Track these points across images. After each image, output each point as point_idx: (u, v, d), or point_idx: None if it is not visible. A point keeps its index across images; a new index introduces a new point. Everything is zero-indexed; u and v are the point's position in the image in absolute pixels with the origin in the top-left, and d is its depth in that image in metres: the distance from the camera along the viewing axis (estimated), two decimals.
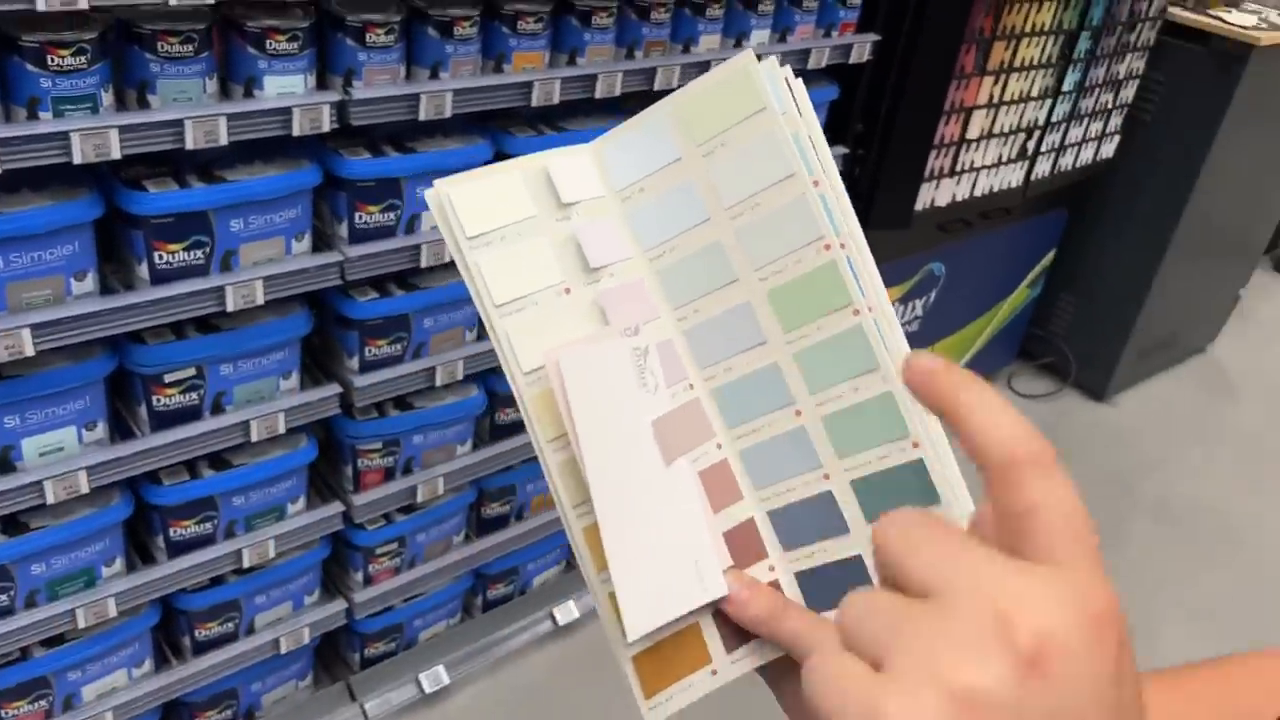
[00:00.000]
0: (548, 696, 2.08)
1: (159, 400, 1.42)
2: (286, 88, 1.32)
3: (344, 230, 1.49)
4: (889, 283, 2.24)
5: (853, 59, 1.99)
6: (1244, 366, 3.60)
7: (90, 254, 1.27)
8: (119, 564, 1.49)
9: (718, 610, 0.52)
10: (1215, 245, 3.20)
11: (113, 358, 1.36)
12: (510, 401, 1.85)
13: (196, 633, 1.64)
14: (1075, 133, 2.67)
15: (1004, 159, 2.50)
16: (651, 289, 0.53)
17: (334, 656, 1.96)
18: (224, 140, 1.27)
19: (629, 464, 0.53)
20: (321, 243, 1.49)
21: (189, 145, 1.24)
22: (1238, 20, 2.81)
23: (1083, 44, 2.48)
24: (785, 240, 0.50)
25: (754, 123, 0.50)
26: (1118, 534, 2.76)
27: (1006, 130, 2.45)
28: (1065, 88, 2.53)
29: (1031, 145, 2.56)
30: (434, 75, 1.47)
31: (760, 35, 1.83)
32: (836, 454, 0.51)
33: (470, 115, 1.52)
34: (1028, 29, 2.30)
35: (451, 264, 1.59)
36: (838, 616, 0.33)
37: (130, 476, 1.43)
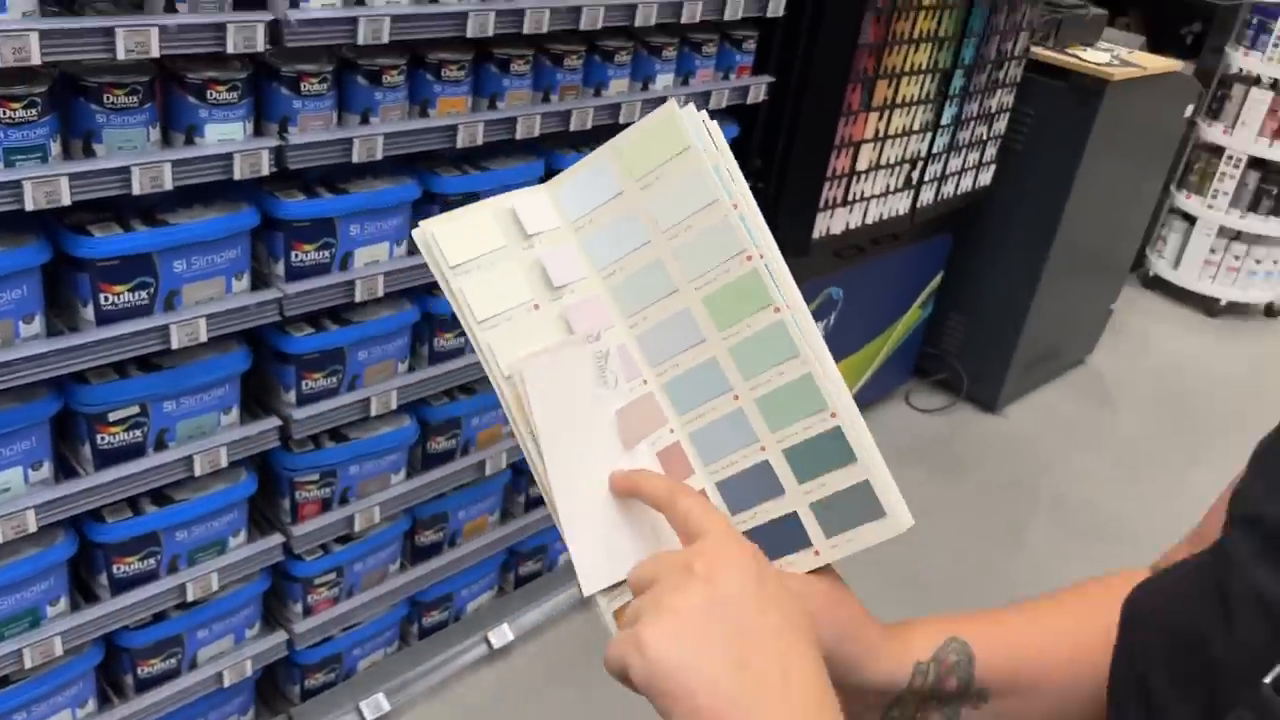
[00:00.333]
0: (487, 719, 2.13)
1: (103, 439, 1.46)
2: (226, 135, 1.39)
3: (281, 269, 1.56)
4: None
5: (750, 99, 2.14)
6: (1119, 375, 3.88)
7: (38, 298, 1.32)
8: (63, 603, 1.52)
9: None
10: (1086, 263, 3.46)
11: (58, 398, 1.40)
12: (441, 430, 1.93)
13: (139, 670, 1.66)
14: (955, 163, 2.88)
15: (891, 188, 2.69)
16: (606, 302, 0.64)
17: (274, 690, 1.99)
18: (169, 185, 1.33)
19: (592, 449, 0.64)
20: (259, 281, 1.56)
21: (135, 190, 1.30)
22: (1093, 58, 3.08)
23: (957, 81, 2.70)
24: (714, 255, 0.62)
25: (681, 160, 0.62)
26: (1017, 533, 2.95)
27: (892, 162, 2.64)
28: (943, 121, 2.73)
29: (915, 175, 2.76)
30: (364, 121, 1.56)
31: (665, 79, 1.97)
32: (770, 429, 0.63)
33: (399, 157, 1.61)
34: (907, 69, 2.50)
35: (383, 299, 1.66)
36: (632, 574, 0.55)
37: (74, 515, 1.46)
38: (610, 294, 0.64)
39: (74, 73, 1.27)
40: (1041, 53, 3.03)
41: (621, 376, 0.64)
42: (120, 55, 1.22)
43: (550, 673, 2.25)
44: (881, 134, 2.54)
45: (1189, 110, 3.54)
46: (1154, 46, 3.73)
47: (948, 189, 2.92)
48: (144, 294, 1.40)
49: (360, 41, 1.45)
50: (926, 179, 2.80)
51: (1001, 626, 0.67)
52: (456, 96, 1.65)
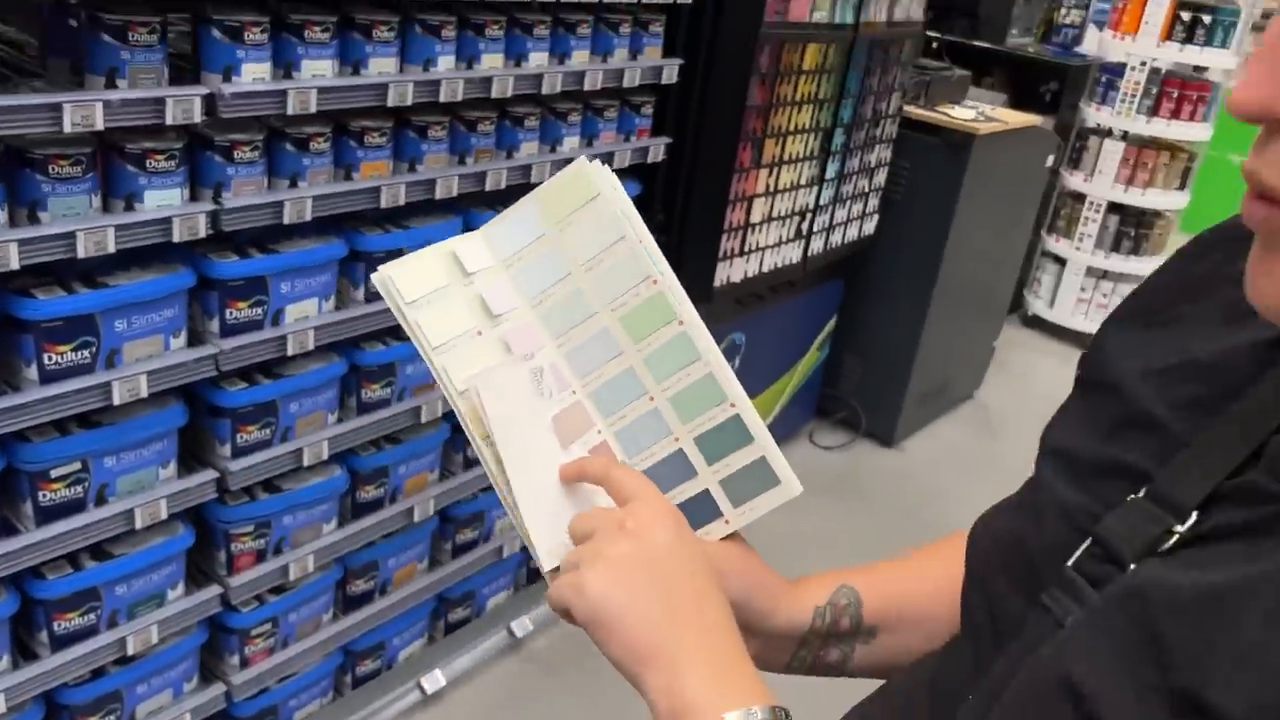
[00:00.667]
0: None
1: (45, 495, 1.50)
2: (165, 200, 1.48)
3: (216, 326, 1.64)
4: None
5: (650, 159, 2.31)
6: (1005, 408, 4.13)
7: None
8: (4, 661, 1.54)
9: None
10: (968, 304, 3.72)
11: (0, 456, 1.45)
12: (370, 479, 2.01)
13: None
14: (841, 214, 3.10)
15: (784, 239, 2.89)
16: (538, 327, 0.77)
17: None
18: (112, 249, 1.41)
19: (536, 449, 0.76)
20: (195, 338, 1.63)
21: (80, 254, 1.38)
22: (960, 115, 3.36)
23: (838, 139, 2.92)
24: (625, 281, 0.75)
25: (592, 205, 0.76)
26: None
27: (783, 214, 2.83)
28: (828, 176, 2.95)
29: (805, 226, 2.96)
30: (293, 185, 1.66)
31: (571, 142, 2.12)
32: (681, 422, 0.76)
33: (326, 217, 1.72)
34: (792, 128, 2.71)
35: (313, 352, 1.76)
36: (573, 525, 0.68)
37: (14, 572, 1.50)
38: (540, 319, 0.77)
39: (20, 145, 1.35)
40: (914, 111, 3.30)
41: (554, 388, 0.77)
42: (67, 129, 1.31)
43: (483, 716, 2.30)
44: (772, 189, 2.74)
45: (1050, 160, 3.86)
46: (1016, 103, 4.07)
47: (836, 238, 3.14)
48: (86, 353, 1.46)
49: (289, 112, 1.56)
50: (816, 229, 3.01)
51: (883, 574, 0.80)
52: (379, 161, 1.77)
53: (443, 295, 0.75)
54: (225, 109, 1.48)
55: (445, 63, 1.79)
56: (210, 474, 1.69)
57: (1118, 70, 4.49)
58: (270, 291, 1.68)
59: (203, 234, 1.52)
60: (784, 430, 3.45)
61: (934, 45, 3.97)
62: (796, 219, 2.90)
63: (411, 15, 1.73)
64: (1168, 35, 4.36)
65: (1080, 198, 4.67)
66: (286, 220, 1.63)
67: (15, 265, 1.32)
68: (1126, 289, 4.10)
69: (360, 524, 2.00)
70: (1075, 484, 0.61)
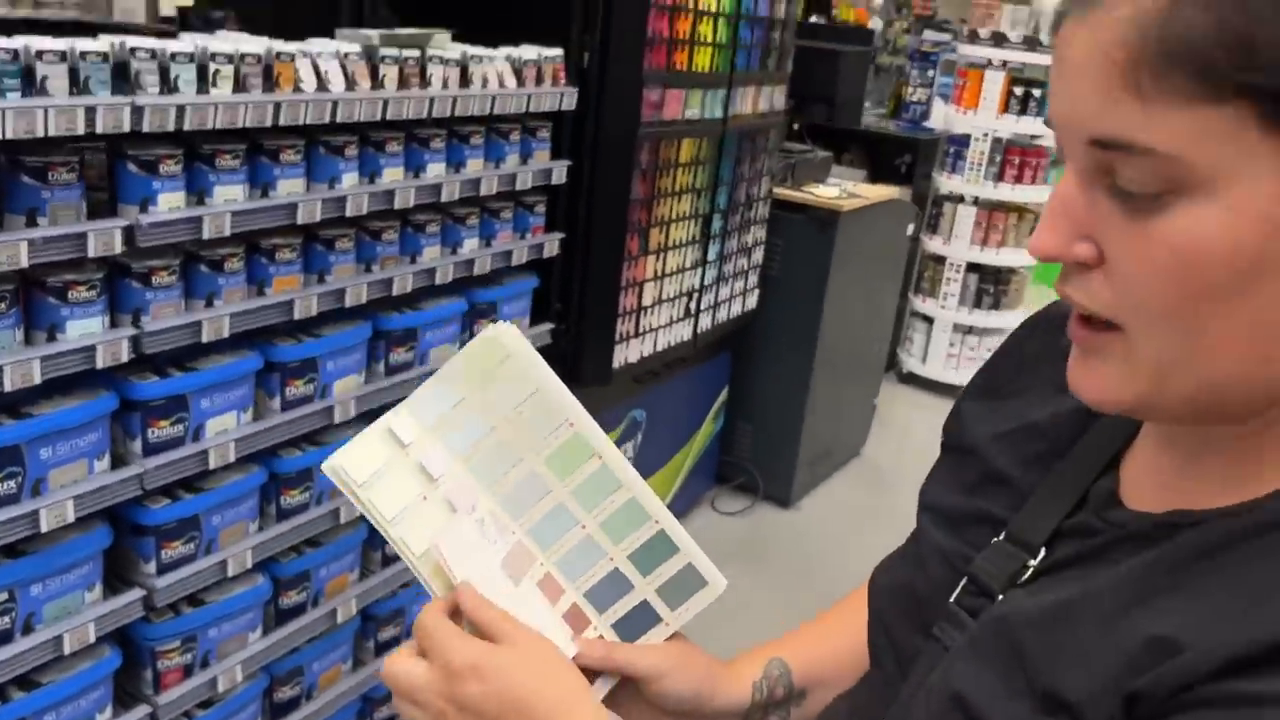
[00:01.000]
0: None
1: None
2: (87, 329, 1.53)
3: (138, 446, 1.67)
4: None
5: (546, 254, 2.44)
6: (890, 462, 4.36)
7: None
8: None
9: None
10: (848, 366, 3.94)
11: None
12: (292, 584, 2.04)
13: None
14: (725, 291, 3.28)
15: (674, 319, 3.05)
16: (472, 480, 0.86)
17: None
18: (38, 380, 1.45)
19: (494, 593, 0.83)
20: (118, 459, 1.66)
21: (6, 387, 1.41)
22: (825, 192, 3.61)
23: (717, 223, 3.12)
24: (544, 428, 0.85)
25: (505, 365, 0.85)
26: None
27: (672, 296, 3.00)
28: (710, 257, 3.14)
29: (693, 305, 3.13)
30: (209, 304, 1.72)
31: (471, 244, 2.23)
32: (613, 543, 0.86)
33: (241, 332, 1.78)
34: (674, 216, 2.89)
35: (234, 464, 1.81)
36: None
37: None
38: (473, 473, 0.85)
39: None
40: (782, 192, 3.54)
41: (496, 534, 0.84)
42: None
43: None
44: (660, 273, 2.90)
45: (910, 228, 4.16)
46: (874, 177, 4.38)
47: (722, 314, 3.31)
48: (12, 483, 1.49)
49: (205, 237, 1.63)
50: (703, 307, 3.18)
51: (805, 639, 0.92)
52: (290, 275, 1.85)
53: (387, 470, 0.82)
54: (144, 238, 1.55)
55: (349, 179, 1.90)
56: (136, 593, 1.71)
57: (964, 141, 4.88)
58: (191, 408, 1.72)
59: (125, 359, 1.56)
60: (686, 499, 3.57)
61: (795, 128, 4.26)
62: (685, 299, 3.07)
63: (316, 137, 1.83)
64: (1005, 108, 4.77)
65: (941, 260, 5.01)
66: (205, 339, 1.68)
67: None
68: (991, 341, 4.44)
69: (284, 630, 2.02)
70: (949, 532, 0.74)
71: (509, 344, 0.83)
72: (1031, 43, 4.74)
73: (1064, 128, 0.54)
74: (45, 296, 1.49)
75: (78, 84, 1.43)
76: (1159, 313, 0.52)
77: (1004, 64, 4.77)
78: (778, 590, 3.25)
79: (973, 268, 4.96)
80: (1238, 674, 0.49)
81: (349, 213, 1.88)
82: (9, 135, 1.35)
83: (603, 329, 2.73)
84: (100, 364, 1.53)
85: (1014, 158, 4.82)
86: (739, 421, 3.75)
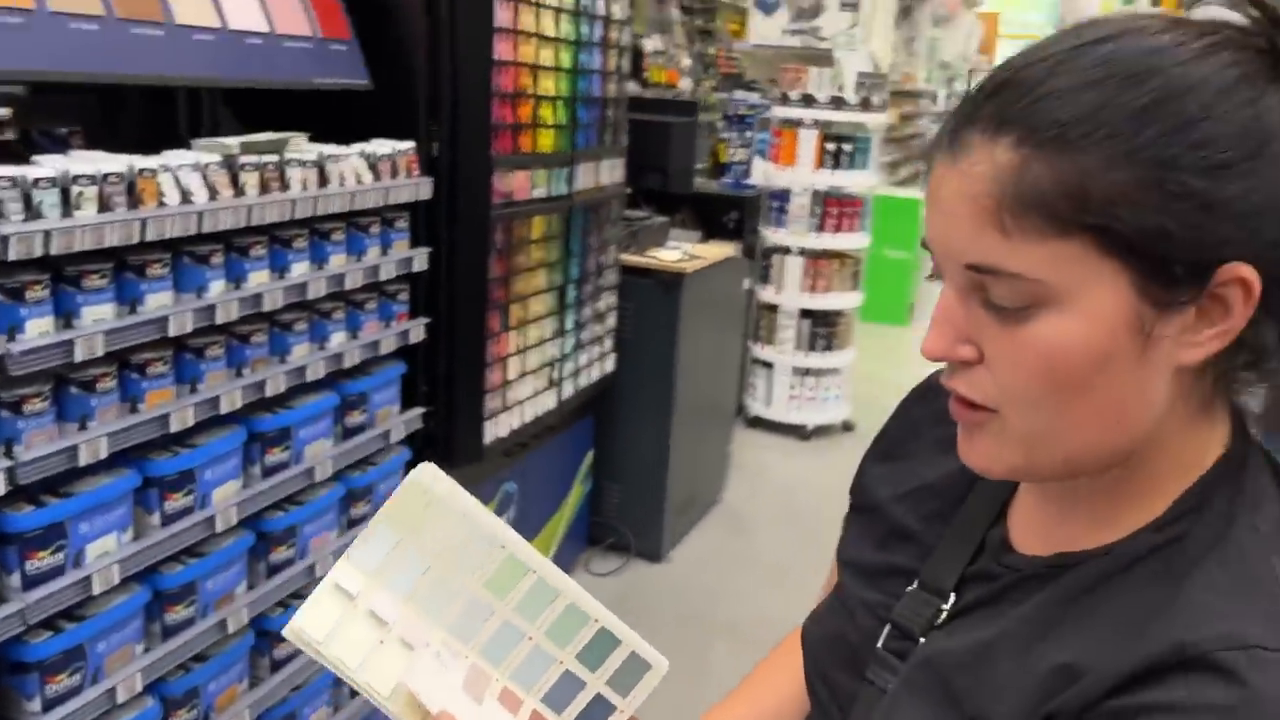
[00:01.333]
0: None
1: None
2: None
3: (17, 580, 1.61)
4: None
5: (412, 340, 2.47)
6: (749, 506, 4.53)
7: None
8: None
9: None
10: (702, 417, 4.10)
11: None
12: (181, 703, 1.99)
13: None
14: (584, 358, 3.38)
15: (539, 390, 3.12)
16: (421, 615, 0.92)
17: None
18: None
19: (461, 712, 0.90)
20: None
21: None
22: (667, 256, 3.78)
23: (571, 293, 3.22)
24: (478, 555, 0.92)
25: (432, 506, 0.92)
26: (701, 662, 3.36)
27: (535, 367, 3.07)
28: (568, 327, 3.23)
29: (556, 374, 3.21)
30: (83, 427, 1.68)
31: (338, 337, 2.25)
32: (560, 648, 0.93)
33: (117, 450, 1.74)
34: (530, 291, 2.97)
35: (113, 589, 1.78)
36: None
37: None
38: (420, 610, 0.92)
39: None
40: (628, 259, 3.68)
41: (451, 660, 0.90)
42: None
43: None
44: (522, 346, 2.97)
45: (746, 282, 4.39)
46: (707, 235, 4.59)
47: (582, 380, 3.41)
48: None
49: (76, 359, 1.60)
50: (565, 375, 3.27)
51: (741, 701, 1.01)
52: (163, 388, 1.82)
53: (342, 623, 0.89)
54: (15, 366, 1.51)
55: (217, 287, 1.89)
56: None
57: (785, 196, 5.18)
58: (69, 535, 1.67)
59: (2, 492, 1.51)
60: (561, 564, 3.56)
61: (628, 192, 4.43)
62: (548, 369, 3.14)
63: (181, 248, 1.83)
64: (820, 163, 5.11)
65: (774, 308, 5.27)
66: (82, 462, 1.65)
67: None
68: (828, 381, 4.72)
69: None
70: (868, 585, 0.85)
71: (431, 485, 0.91)
72: (838, 102, 5.11)
73: (941, 253, 0.66)
74: None
75: None
76: (1030, 401, 0.64)
77: (815, 122, 5.11)
78: (659, 644, 3.31)
79: (805, 313, 5.25)
80: (1128, 690, 0.60)
81: (219, 320, 1.87)
82: None
83: (472, 407, 2.77)
84: None
85: (832, 209, 5.16)
86: (606, 482, 3.83)
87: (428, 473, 0.90)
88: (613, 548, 3.89)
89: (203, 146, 1.92)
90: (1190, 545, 0.65)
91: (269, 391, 2.04)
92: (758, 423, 5.40)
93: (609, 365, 3.61)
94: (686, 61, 8.92)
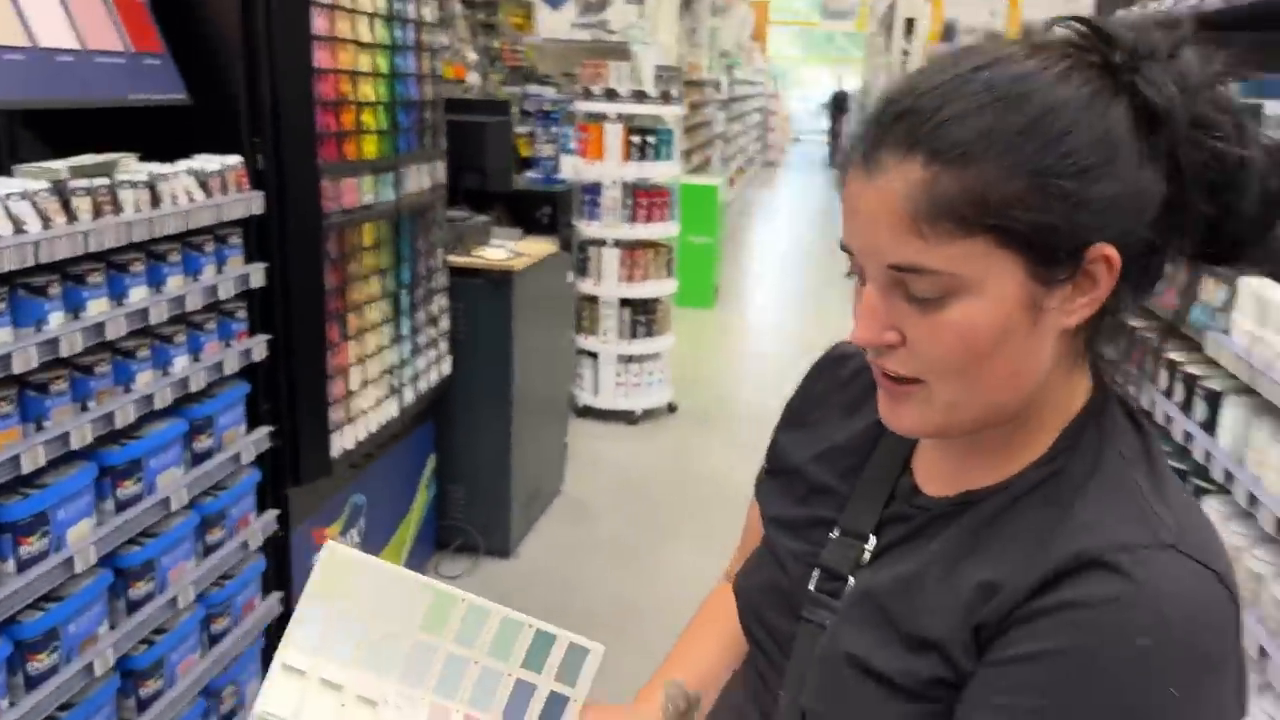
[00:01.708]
0: None
1: None
2: None
3: None
4: (325, 523, 2.89)
5: (255, 358, 2.42)
6: (590, 493, 4.64)
7: None
8: None
9: None
10: (538, 411, 4.17)
11: None
12: None
13: None
14: (421, 362, 3.38)
15: (380, 399, 3.10)
16: (371, 673, 0.97)
17: None
18: None
19: None
20: None
21: None
22: (494, 254, 3.82)
23: (404, 299, 3.21)
24: (405, 602, 0.99)
25: (349, 574, 0.99)
26: None
27: (376, 376, 3.05)
28: (404, 332, 3.22)
29: (396, 382, 3.20)
30: None
31: (181, 361, 2.18)
32: (505, 661, 1.00)
33: None
34: (365, 299, 2.95)
35: None
36: None
37: None
38: (369, 668, 0.98)
39: None
40: (455, 260, 3.69)
41: (410, 708, 0.97)
42: None
43: None
44: (362, 356, 2.95)
45: (570, 276, 4.48)
46: (524, 229, 4.64)
47: (422, 385, 3.41)
48: None
49: None
50: (405, 382, 3.26)
51: (685, 655, 1.10)
52: (9, 429, 1.73)
53: (304, 699, 0.94)
54: None
55: (56, 319, 1.81)
56: None
57: (596, 189, 5.31)
58: None
59: None
60: (412, 569, 3.60)
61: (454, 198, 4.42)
62: (388, 377, 3.13)
63: (15, 281, 1.74)
64: (627, 156, 5.26)
65: (595, 299, 5.40)
66: None
67: None
68: (650, 366, 4.93)
69: None
70: (794, 537, 0.96)
71: (343, 556, 0.97)
72: (640, 95, 5.27)
73: (864, 255, 0.78)
74: None
75: None
76: (950, 371, 0.77)
77: (619, 116, 5.25)
78: None
79: (624, 302, 5.40)
80: (1041, 594, 0.74)
81: (63, 353, 1.79)
82: None
83: (318, 422, 2.73)
84: None
85: (642, 200, 5.33)
86: (449, 485, 3.84)
87: (335, 550, 0.97)
88: (461, 549, 3.91)
89: (27, 173, 1.83)
90: (1072, 474, 0.80)
91: (119, 423, 1.97)
92: (588, 412, 5.52)
93: (446, 368, 3.62)
94: (472, 56, 8.89)
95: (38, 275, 1.78)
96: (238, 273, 2.35)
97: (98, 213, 1.88)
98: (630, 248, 5.37)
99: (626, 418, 5.49)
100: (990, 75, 0.73)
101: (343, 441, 2.87)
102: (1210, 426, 2.12)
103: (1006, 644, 0.75)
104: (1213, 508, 2.08)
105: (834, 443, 0.97)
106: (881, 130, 0.74)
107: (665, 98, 5.32)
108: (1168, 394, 2.35)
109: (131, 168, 2.04)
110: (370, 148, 2.93)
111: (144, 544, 2.10)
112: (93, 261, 1.91)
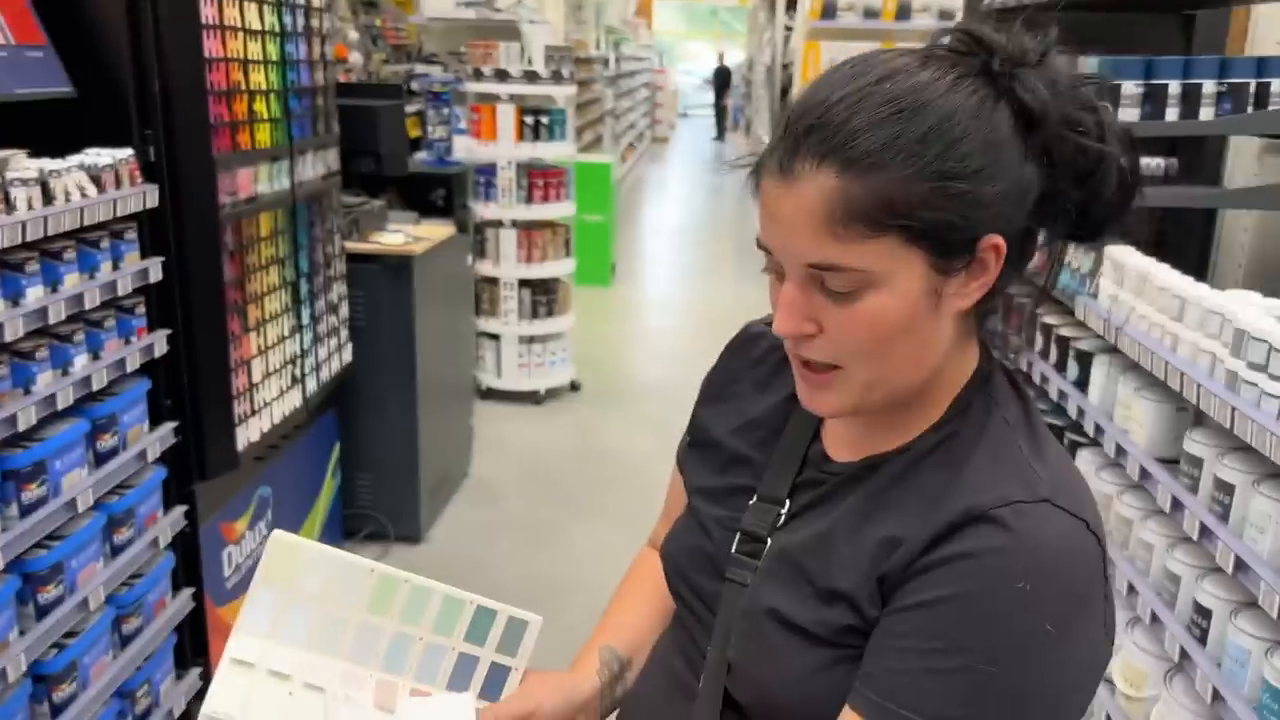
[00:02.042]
0: None
1: None
2: None
3: None
4: (233, 518, 2.90)
5: (157, 353, 2.39)
6: (497, 475, 4.67)
7: None
8: None
9: None
10: (442, 396, 4.18)
11: None
12: None
13: None
14: (323, 351, 3.36)
15: (284, 390, 3.07)
16: (320, 657, 1.01)
17: None
18: None
19: None
20: None
21: None
22: (391, 240, 3.80)
23: (303, 288, 3.18)
24: (352, 585, 1.03)
25: (295, 559, 1.03)
26: None
27: (278, 367, 3.02)
28: (304, 322, 3.20)
29: (298, 372, 3.17)
30: None
31: (81, 360, 2.14)
32: (449, 636, 1.06)
33: None
34: (265, 290, 2.92)
35: None
36: None
37: None
38: (317, 652, 1.02)
39: None
40: (352, 246, 3.66)
41: (356, 687, 1.01)
42: None
43: None
44: (263, 348, 2.92)
45: (470, 259, 4.48)
46: (420, 212, 4.61)
47: (324, 374, 3.38)
48: None
49: None
50: (307, 372, 3.24)
51: (615, 621, 1.17)
52: None
53: (251, 692, 0.97)
54: None
55: None
56: None
57: (491, 170, 5.30)
58: None
59: None
60: None
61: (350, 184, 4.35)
62: (290, 368, 3.10)
63: None
64: (520, 136, 5.26)
65: (494, 281, 5.40)
66: None
67: None
68: (552, 346, 5.03)
69: None
70: (716, 504, 1.04)
71: (287, 542, 1.01)
72: (532, 75, 5.27)
73: (783, 255, 0.85)
74: None
75: None
76: (864, 356, 0.85)
77: (511, 96, 5.25)
78: None
79: (524, 283, 5.42)
80: (936, 547, 0.83)
81: None
82: None
83: (222, 416, 2.70)
84: None
85: (538, 180, 5.34)
86: (356, 473, 3.82)
87: (280, 537, 1.01)
88: (371, 537, 3.90)
89: None
90: (962, 438, 0.89)
91: (21, 426, 1.93)
92: (491, 394, 5.53)
93: (347, 356, 3.60)
94: (354, 35, 8.70)
95: None
96: (135, 268, 2.30)
97: None
98: (527, 228, 5.39)
99: (531, 398, 5.53)
100: (891, 88, 0.81)
101: (247, 434, 2.84)
102: (1083, 385, 2.28)
103: (906, 593, 0.84)
104: (1086, 459, 2.25)
105: (750, 416, 1.05)
106: (795, 141, 0.82)
107: (557, 77, 5.34)
108: (1044, 355, 2.52)
109: (21, 165, 1.98)
110: (264, 136, 2.89)
111: (51, 547, 2.06)
112: None
